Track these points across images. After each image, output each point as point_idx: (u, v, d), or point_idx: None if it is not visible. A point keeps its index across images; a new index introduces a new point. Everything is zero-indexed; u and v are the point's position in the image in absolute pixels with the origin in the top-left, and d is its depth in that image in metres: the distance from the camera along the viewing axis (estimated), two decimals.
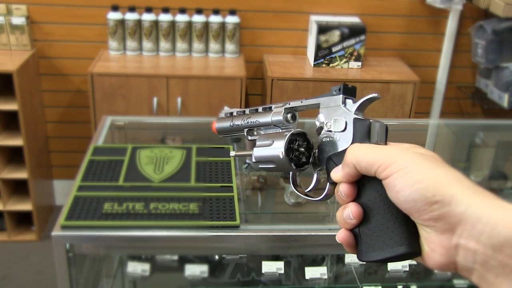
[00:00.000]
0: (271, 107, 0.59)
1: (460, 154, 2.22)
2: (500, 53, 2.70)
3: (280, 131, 0.57)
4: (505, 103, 2.67)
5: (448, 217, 0.43)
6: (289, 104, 0.58)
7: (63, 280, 1.28)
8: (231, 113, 0.66)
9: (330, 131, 0.53)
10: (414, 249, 0.46)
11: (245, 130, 0.63)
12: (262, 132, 0.60)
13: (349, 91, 0.54)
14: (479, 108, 3.04)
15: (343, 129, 0.52)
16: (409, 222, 0.46)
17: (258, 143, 0.58)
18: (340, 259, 1.64)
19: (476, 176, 2.09)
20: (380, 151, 0.48)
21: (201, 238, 1.26)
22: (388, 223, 0.47)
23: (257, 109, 0.62)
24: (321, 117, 0.54)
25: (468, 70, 2.99)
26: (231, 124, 0.64)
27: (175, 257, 1.86)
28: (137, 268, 1.80)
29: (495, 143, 2.29)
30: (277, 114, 0.57)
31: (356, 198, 0.50)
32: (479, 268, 0.42)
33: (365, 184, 0.49)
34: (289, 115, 0.57)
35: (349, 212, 0.50)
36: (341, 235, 0.51)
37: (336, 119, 0.53)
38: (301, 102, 0.57)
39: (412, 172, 0.45)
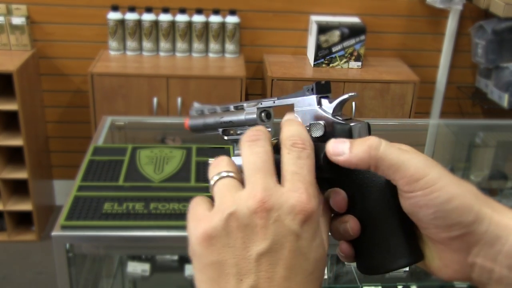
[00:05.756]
0: (243, 105, 0.56)
1: (460, 154, 2.22)
2: (500, 53, 2.70)
3: None
4: (505, 103, 2.67)
5: (466, 236, 0.42)
6: (261, 103, 0.54)
7: (63, 280, 1.28)
8: (202, 111, 0.62)
9: None
10: (414, 258, 0.45)
11: (220, 129, 0.59)
12: (238, 132, 0.57)
13: (322, 88, 0.50)
14: (479, 108, 3.04)
15: (321, 134, 0.48)
16: (408, 231, 0.45)
17: (236, 152, 0.55)
18: (340, 259, 1.64)
19: (476, 176, 2.09)
20: (414, 160, 0.42)
21: None
22: (385, 236, 0.45)
23: (229, 107, 0.58)
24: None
25: (468, 70, 2.99)
26: (204, 124, 0.61)
27: (175, 257, 1.86)
28: (137, 268, 1.80)
29: (495, 143, 2.29)
30: (250, 113, 0.54)
31: (351, 209, 0.46)
32: (494, 284, 0.42)
33: (364, 196, 0.46)
34: (263, 114, 0.54)
35: (348, 227, 0.46)
36: (343, 248, 0.48)
37: (313, 123, 0.49)
38: (274, 102, 0.54)
39: (440, 190, 0.41)
